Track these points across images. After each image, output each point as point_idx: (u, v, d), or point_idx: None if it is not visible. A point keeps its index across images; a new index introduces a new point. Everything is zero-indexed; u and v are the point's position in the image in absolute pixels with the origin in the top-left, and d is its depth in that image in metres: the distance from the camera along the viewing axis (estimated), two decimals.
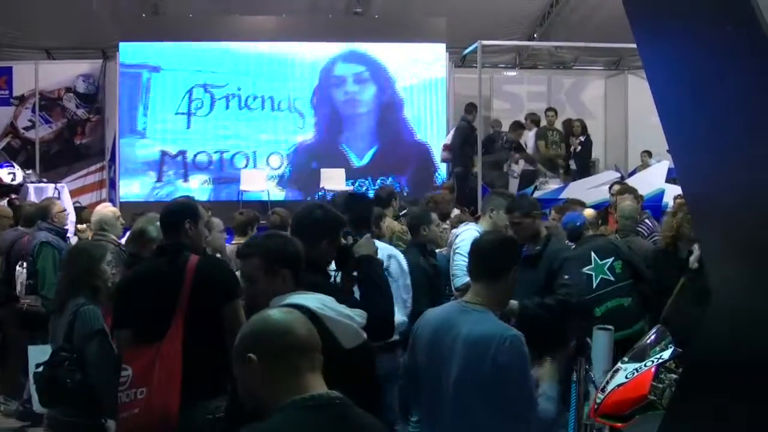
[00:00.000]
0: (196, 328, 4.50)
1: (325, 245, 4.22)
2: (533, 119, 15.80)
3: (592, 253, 7.18)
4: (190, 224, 4.82)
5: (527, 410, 3.79)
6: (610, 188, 10.84)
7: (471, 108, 14.88)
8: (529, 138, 15.61)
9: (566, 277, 5.77)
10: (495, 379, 3.69)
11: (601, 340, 6.47)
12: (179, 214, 4.88)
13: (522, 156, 15.16)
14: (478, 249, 4.06)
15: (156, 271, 4.70)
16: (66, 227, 8.37)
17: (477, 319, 3.85)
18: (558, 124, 15.71)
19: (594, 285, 7.09)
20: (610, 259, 7.18)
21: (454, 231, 6.88)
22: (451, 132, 15.06)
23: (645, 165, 15.09)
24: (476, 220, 7.66)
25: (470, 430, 3.79)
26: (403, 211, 8.80)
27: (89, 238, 8.08)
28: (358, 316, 3.60)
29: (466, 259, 6.37)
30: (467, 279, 6.34)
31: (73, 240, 9.04)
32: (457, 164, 14.70)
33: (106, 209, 7.84)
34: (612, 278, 7.16)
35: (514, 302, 5.63)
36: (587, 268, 7.13)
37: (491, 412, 3.77)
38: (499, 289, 3.97)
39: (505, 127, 15.80)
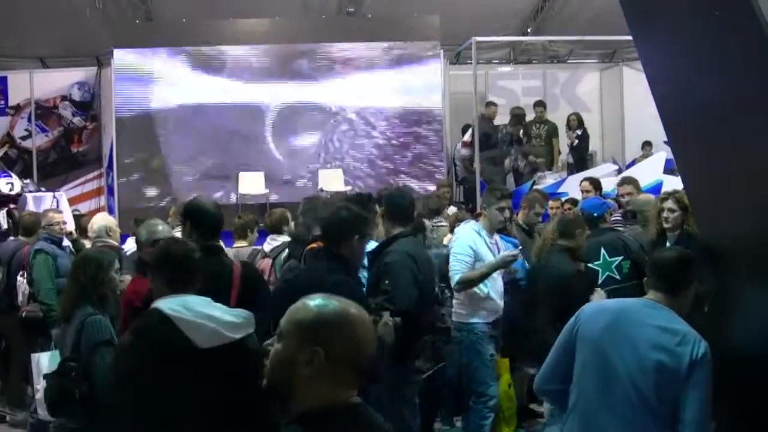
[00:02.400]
0: None
1: (356, 242, 4.65)
2: (516, 113, 15.84)
3: (602, 249, 7.12)
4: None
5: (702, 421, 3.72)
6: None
7: (490, 104, 15.57)
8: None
9: (386, 282, 5.55)
10: (690, 375, 3.65)
11: None
12: (220, 219, 5.15)
13: (519, 151, 15.22)
14: (659, 264, 4.06)
15: (213, 270, 4.71)
16: (60, 237, 8.37)
17: (671, 317, 3.84)
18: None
19: (599, 281, 7.06)
20: (619, 258, 7.07)
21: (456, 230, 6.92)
22: (470, 130, 15.17)
23: (647, 157, 14.99)
24: (476, 217, 7.64)
25: (636, 419, 3.73)
26: None
27: (87, 245, 8.09)
28: (236, 317, 3.86)
29: (460, 260, 6.46)
30: (461, 274, 6.41)
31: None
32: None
33: (106, 217, 7.87)
34: (618, 277, 7.08)
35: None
36: (595, 263, 7.10)
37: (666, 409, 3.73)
38: (679, 302, 3.93)
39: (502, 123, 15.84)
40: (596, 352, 3.81)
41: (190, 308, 3.82)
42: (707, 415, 3.67)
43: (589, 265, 7.10)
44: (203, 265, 4.51)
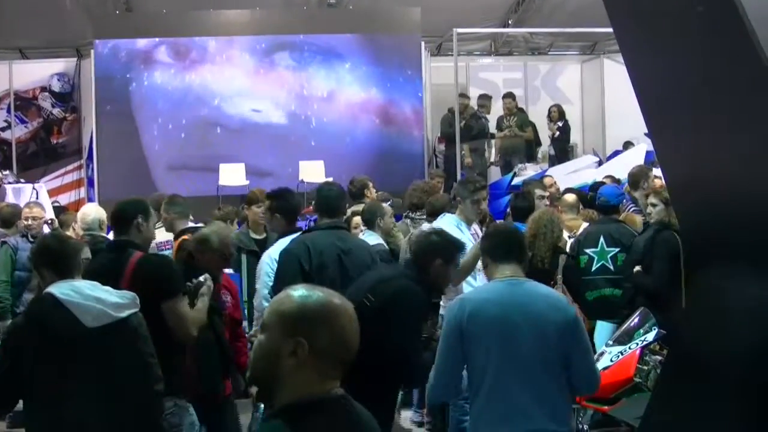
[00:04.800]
0: None
1: (438, 266, 4.85)
2: (481, 103, 16.04)
3: (602, 237, 7.23)
4: (142, 220, 5.13)
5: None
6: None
7: (463, 96, 15.58)
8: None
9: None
10: (573, 332, 4.10)
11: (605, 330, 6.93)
12: (131, 211, 5.16)
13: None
14: (503, 239, 4.40)
15: (101, 266, 4.94)
16: (36, 234, 8.35)
17: (538, 286, 4.28)
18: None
19: (593, 268, 7.16)
20: (616, 250, 7.22)
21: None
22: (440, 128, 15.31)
23: None
24: None
25: (545, 385, 4.06)
26: (389, 202, 8.75)
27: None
28: (120, 297, 4.24)
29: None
30: None
31: None
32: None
33: (99, 209, 7.80)
34: (612, 268, 7.21)
35: None
36: (591, 250, 7.19)
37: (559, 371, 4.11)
38: (526, 267, 4.34)
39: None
40: (499, 338, 4.07)
41: (79, 291, 4.13)
42: (594, 362, 4.19)
43: (586, 250, 7.21)
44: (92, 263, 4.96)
